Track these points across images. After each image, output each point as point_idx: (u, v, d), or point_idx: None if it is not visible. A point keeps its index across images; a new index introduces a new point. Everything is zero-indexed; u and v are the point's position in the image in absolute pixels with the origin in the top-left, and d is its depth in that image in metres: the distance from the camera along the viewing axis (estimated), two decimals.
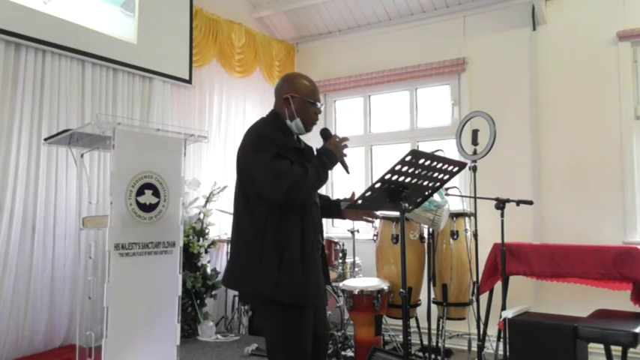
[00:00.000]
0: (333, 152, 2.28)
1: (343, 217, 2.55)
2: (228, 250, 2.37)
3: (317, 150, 2.32)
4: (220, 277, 4.53)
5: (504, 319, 3.15)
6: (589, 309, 3.28)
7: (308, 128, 2.34)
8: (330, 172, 2.30)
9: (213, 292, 4.51)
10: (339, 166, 2.34)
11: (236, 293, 4.66)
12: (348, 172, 2.36)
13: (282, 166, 2.10)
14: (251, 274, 2.14)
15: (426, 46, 5.11)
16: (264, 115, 2.40)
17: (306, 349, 2.15)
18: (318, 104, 2.36)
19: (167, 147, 3.00)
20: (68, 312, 3.72)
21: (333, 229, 5.52)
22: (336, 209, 2.52)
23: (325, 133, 2.38)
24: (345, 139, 2.35)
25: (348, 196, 2.53)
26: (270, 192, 2.10)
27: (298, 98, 2.30)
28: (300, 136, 2.39)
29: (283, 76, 2.45)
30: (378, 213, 4.25)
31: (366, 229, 5.10)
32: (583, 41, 4.39)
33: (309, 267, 2.20)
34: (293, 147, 2.23)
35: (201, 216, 4.50)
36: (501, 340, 3.43)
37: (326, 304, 2.42)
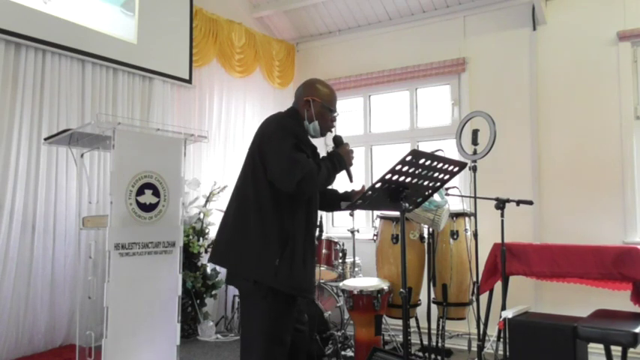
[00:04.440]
0: (344, 158, 2.37)
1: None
2: (221, 226, 2.37)
3: (329, 152, 2.40)
4: (220, 277, 4.53)
5: (504, 319, 3.15)
6: (589, 309, 3.27)
7: (323, 133, 2.43)
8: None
9: (213, 292, 4.51)
10: (343, 173, 2.43)
11: (236, 292, 4.66)
12: (351, 181, 2.45)
13: (299, 157, 2.15)
14: (252, 257, 2.17)
15: (426, 46, 5.11)
16: (282, 111, 2.47)
17: (286, 342, 2.19)
18: (335, 113, 2.47)
19: (167, 147, 3.01)
20: (68, 312, 3.72)
21: (333, 229, 5.52)
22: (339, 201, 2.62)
23: (338, 140, 2.47)
24: (352, 150, 2.47)
25: (358, 189, 2.64)
26: (283, 179, 2.14)
27: (319, 103, 2.39)
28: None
29: (308, 80, 2.53)
30: (378, 213, 4.29)
31: (366, 229, 5.10)
32: (583, 41, 4.39)
33: (309, 260, 2.26)
34: (309, 143, 2.33)
35: (201, 216, 4.51)
36: (501, 340, 3.43)
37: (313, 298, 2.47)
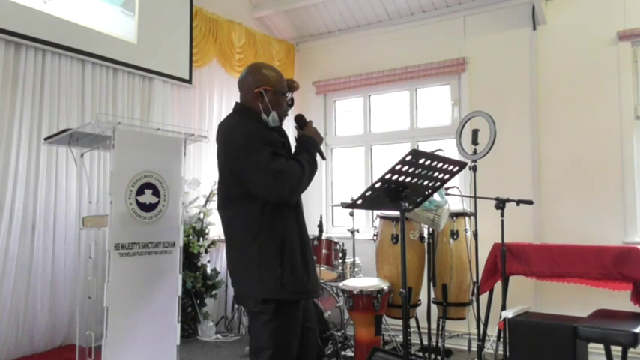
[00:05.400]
0: (315, 140, 2.24)
1: None
2: (226, 253, 2.34)
3: (298, 139, 2.26)
4: (220, 276, 4.54)
5: (504, 319, 3.15)
6: (589, 309, 3.28)
7: (282, 120, 2.27)
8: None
9: (213, 292, 4.51)
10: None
11: None
12: (324, 159, 2.34)
13: (281, 166, 2.04)
14: (254, 275, 2.10)
15: (426, 46, 5.11)
16: (232, 112, 2.29)
17: (293, 350, 2.14)
18: (288, 94, 2.29)
19: (167, 147, 3.00)
20: (68, 312, 3.72)
21: (333, 229, 5.52)
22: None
23: (301, 120, 2.31)
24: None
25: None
26: (274, 193, 2.05)
27: (271, 91, 2.21)
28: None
29: (246, 67, 2.32)
30: (378, 213, 4.29)
31: (366, 229, 5.10)
32: (583, 41, 4.39)
33: (309, 260, 2.21)
34: (278, 141, 2.17)
35: (201, 216, 4.50)
36: (501, 340, 3.43)
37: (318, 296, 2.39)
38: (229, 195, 2.17)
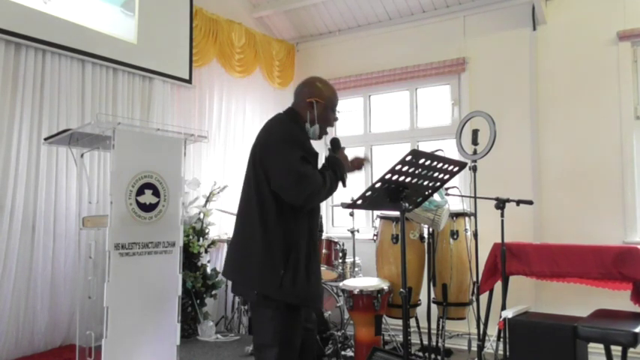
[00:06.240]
0: (344, 166, 2.33)
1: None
2: (230, 242, 2.36)
3: (328, 158, 2.33)
4: (220, 277, 4.53)
5: (504, 319, 3.15)
6: (589, 309, 3.28)
7: (322, 135, 2.37)
8: None
9: (213, 292, 4.51)
10: None
11: None
12: (345, 186, 2.40)
13: (307, 171, 2.11)
14: (256, 269, 2.15)
15: (426, 46, 5.11)
16: (282, 112, 2.38)
17: (297, 346, 2.18)
18: (337, 113, 2.41)
19: (167, 147, 3.01)
20: (68, 312, 3.72)
21: (333, 229, 5.52)
22: None
23: (336, 143, 2.40)
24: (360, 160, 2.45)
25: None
26: (292, 194, 2.11)
27: (322, 105, 2.32)
28: None
29: (307, 78, 2.44)
30: (378, 213, 4.29)
31: (366, 229, 5.10)
32: (583, 41, 4.39)
33: (313, 269, 2.23)
34: (313, 151, 2.26)
35: (201, 216, 4.50)
36: (501, 340, 3.43)
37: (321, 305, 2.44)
38: (257, 188, 2.20)
